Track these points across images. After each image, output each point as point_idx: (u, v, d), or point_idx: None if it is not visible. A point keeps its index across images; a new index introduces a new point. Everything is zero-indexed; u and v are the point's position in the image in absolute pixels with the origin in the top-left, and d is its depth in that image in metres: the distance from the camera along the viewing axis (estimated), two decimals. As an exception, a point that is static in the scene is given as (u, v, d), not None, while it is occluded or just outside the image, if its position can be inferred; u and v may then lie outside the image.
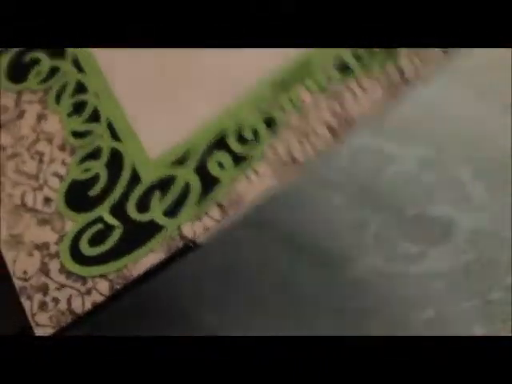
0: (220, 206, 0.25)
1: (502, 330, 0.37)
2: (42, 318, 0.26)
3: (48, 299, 0.27)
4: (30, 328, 0.26)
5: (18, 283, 0.27)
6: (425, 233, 0.38)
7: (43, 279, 0.27)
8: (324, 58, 0.25)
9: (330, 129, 0.23)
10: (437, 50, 0.26)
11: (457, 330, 0.37)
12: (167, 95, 0.28)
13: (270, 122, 0.25)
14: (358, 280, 0.37)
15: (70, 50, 0.32)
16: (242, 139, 0.25)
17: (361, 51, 0.24)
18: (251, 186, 0.24)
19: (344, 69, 0.24)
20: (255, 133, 0.25)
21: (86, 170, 0.28)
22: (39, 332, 0.26)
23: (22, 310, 0.27)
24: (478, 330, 0.37)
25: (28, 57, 0.33)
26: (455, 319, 0.37)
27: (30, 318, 0.27)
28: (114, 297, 0.25)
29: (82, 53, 0.31)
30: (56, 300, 0.26)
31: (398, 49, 0.24)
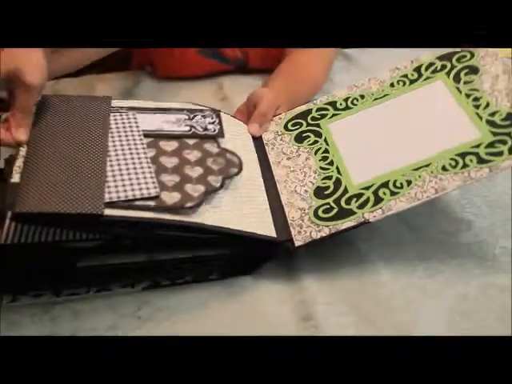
0: (382, 210, 0.64)
1: None
2: (299, 237, 0.66)
3: (303, 228, 0.66)
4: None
5: (287, 215, 0.67)
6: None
7: (300, 222, 0.66)
8: (440, 162, 0.64)
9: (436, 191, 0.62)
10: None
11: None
12: (371, 149, 0.68)
13: (409, 183, 0.64)
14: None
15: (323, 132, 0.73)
16: (394, 186, 0.64)
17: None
18: (398, 203, 0.63)
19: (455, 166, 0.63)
20: (400, 185, 0.64)
21: (324, 182, 0.68)
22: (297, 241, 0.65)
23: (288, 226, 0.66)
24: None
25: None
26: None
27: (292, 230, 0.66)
28: (333, 234, 0.64)
29: (327, 134, 0.72)
30: (305, 231, 0.66)
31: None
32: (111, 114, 0.64)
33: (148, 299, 0.61)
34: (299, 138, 0.74)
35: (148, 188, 0.58)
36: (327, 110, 0.76)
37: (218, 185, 0.62)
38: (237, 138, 0.73)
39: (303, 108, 0.78)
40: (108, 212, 0.54)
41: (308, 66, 0.88)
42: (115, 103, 0.67)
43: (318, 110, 0.76)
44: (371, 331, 0.58)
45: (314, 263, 0.65)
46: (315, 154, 0.71)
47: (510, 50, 0.96)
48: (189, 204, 0.58)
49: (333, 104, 0.76)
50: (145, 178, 0.59)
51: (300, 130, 0.75)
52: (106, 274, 0.60)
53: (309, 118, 0.76)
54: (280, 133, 0.76)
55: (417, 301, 0.62)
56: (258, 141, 0.76)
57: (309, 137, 0.74)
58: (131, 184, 0.57)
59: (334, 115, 0.75)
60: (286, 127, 0.77)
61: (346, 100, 0.75)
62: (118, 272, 0.60)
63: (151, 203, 0.56)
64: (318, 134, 0.74)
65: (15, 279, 0.59)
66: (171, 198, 0.58)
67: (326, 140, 0.72)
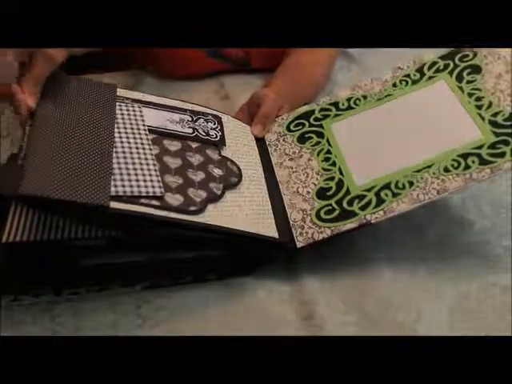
0: (384, 211, 0.64)
1: None
2: (300, 239, 0.66)
3: (305, 229, 0.66)
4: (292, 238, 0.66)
5: (289, 216, 0.67)
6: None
7: (302, 223, 0.66)
8: (442, 163, 0.63)
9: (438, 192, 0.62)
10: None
11: None
12: (374, 150, 0.68)
13: (411, 184, 0.64)
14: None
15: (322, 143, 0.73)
16: (397, 187, 0.64)
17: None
18: (400, 205, 0.63)
19: (457, 167, 0.63)
20: (402, 186, 0.64)
21: (327, 183, 0.68)
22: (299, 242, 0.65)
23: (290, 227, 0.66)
24: None
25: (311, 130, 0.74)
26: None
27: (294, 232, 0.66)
28: (334, 236, 0.64)
29: (330, 134, 0.72)
30: (306, 232, 0.66)
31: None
32: (117, 104, 0.64)
33: (148, 298, 0.61)
34: (302, 139, 0.74)
35: (153, 186, 0.57)
36: (330, 110, 0.76)
37: (219, 193, 0.63)
38: (239, 140, 0.73)
39: (306, 108, 0.78)
40: (114, 205, 0.53)
41: (309, 66, 0.88)
42: (120, 93, 0.67)
43: (321, 110, 0.76)
44: (372, 330, 0.59)
45: (315, 262, 0.65)
46: (317, 154, 0.72)
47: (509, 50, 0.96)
48: (192, 208, 0.58)
49: (335, 104, 0.76)
50: (150, 175, 0.58)
51: (303, 130, 0.75)
52: (106, 274, 0.60)
53: (311, 118, 0.76)
54: (283, 133, 0.76)
55: (418, 300, 0.62)
56: (260, 141, 0.76)
57: (311, 137, 0.74)
58: (137, 180, 0.57)
59: (336, 115, 0.75)
60: (288, 128, 0.77)
61: (348, 100, 0.75)
62: (119, 271, 0.60)
63: (155, 202, 0.56)
64: (321, 135, 0.74)
65: (16, 278, 0.58)
66: (174, 199, 0.58)
67: (328, 141, 0.72)
